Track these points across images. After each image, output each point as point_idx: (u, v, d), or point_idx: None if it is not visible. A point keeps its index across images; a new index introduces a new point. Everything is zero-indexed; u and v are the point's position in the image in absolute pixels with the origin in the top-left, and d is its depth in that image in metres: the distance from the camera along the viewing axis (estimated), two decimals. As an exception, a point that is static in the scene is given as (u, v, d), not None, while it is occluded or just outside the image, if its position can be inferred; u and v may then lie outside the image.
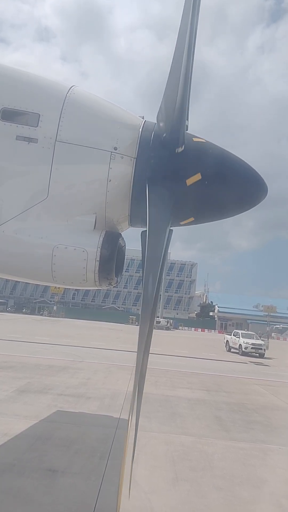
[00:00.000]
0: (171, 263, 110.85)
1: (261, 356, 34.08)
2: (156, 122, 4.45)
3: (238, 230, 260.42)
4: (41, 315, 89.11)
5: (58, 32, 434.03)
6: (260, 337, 41.05)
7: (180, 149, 4.14)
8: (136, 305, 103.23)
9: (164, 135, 4.19)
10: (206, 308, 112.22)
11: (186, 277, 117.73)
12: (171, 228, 4.45)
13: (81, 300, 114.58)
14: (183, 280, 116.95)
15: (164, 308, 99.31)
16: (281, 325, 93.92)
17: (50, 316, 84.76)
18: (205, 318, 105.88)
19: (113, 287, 5.03)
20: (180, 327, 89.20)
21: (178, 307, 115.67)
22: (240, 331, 39.26)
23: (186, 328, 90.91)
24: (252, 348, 34.36)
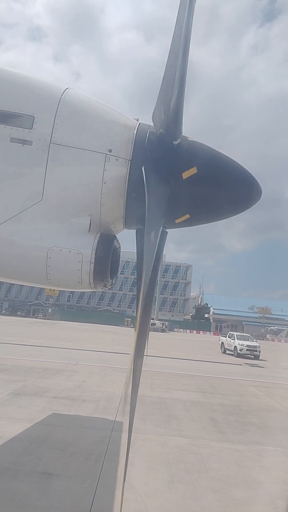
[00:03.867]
0: (166, 265, 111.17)
1: (256, 357, 34.17)
2: (149, 124, 4.47)
3: (230, 232, 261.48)
4: (36, 317, 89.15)
5: (49, 31, 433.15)
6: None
7: (176, 142, 4.15)
8: (131, 307, 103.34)
9: (160, 130, 4.20)
10: (201, 310, 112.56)
11: (181, 279, 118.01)
12: (166, 230, 4.47)
13: (76, 303, 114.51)
14: (178, 282, 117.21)
15: (159, 310, 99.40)
16: (276, 327, 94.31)
17: (45, 319, 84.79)
18: (200, 320, 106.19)
19: (108, 289, 5.03)
20: (175, 329, 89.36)
21: (173, 309, 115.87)
22: (235, 333, 39.33)
23: (182, 330, 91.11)
24: (247, 350, 34.44)
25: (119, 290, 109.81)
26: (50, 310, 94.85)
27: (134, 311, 4.39)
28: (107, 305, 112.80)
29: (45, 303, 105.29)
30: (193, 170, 4.31)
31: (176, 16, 4.08)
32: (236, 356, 34.31)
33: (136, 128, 4.51)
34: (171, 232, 4.63)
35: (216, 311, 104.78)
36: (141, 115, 4.81)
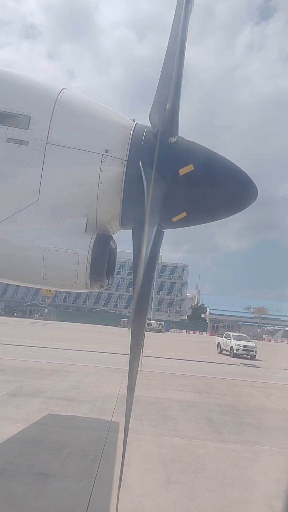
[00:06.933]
0: (162, 266, 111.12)
1: (253, 358, 34.27)
2: (146, 124, 4.48)
3: (226, 232, 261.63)
4: (32, 318, 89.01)
5: (44, 29, 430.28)
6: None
7: (173, 139, 4.16)
8: (127, 308, 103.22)
9: (157, 131, 4.21)
10: (198, 310, 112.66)
11: (178, 279, 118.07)
12: (163, 230, 4.47)
13: (73, 303, 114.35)
14: (175, 282, 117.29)
15: (155, 311, 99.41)
16: (272, 327, 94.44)
17: (41, 319, 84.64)
18: (196, 320, 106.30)
19: (105, 289, 5.03)
20: (171, 330, 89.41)
21: (169, 309, 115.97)
22: (231, 333, 39.43)
23: (178, 330, 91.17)
24: (243, 350, 34.54)
25: (115, 290, 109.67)
26: (46, 310, 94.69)
27: (130, 312, 4.40)
28: (103, 306, 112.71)
29: (42, 304, 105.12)
30: (190, 171, 4.32)
31: (173, 16, 4.09)
32: (233, 356, 34.37)
33: (133, 128, 4.51)
34: (166, 232, 4.63)
35: (212, 311, 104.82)
36: (134, 114, 4.82)
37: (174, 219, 4.66)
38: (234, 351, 34.72)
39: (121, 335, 41.15)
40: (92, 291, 4.79)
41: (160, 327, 76.58)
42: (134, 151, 4.35)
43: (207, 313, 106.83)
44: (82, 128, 4.52)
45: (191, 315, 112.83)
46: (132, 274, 4.21)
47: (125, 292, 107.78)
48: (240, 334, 41.56)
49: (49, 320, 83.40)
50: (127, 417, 3.88)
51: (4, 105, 4.39)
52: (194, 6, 4.26)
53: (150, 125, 4.42)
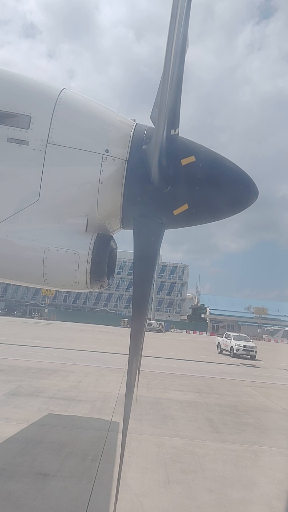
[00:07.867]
0: (162, 266, 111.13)
1: (253, 358, 34.28)
2: (146, 125, 4.48)
3: (225, 232, 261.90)
4: (32, 317, 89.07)
5: (43, 28, 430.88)
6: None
7: (174, 140, 4.15)
8: (127, 308, 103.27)
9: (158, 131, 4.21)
10: (198, 310, 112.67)
11: (178, 279, 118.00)
12: (163, 229, 4.48)
13: (73, 303, 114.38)
14: (175, 283, 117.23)
15: (155, 311, 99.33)
16: (272, 327, 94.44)
17: (41, 319, 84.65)
18: (196, 320, 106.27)
19: (105, 289, 5.03)
20: (171, 330, 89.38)
21: (169, 309, 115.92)
22: (231, 333, 39.41)
23: (178, 330, 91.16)
24: (243, 350, 34.56)
25: (115, 290, 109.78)
26: (46, 310, 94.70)
27: (130, 312, 4.43)
28: (103, 306, 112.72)
29: (42, 303, 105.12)
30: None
31: (170, 15, 4.07)
32: (233, 357, 34.39)
33: (133, 128, 4.51)
34: (166, 232, 4.64)
35: (212, 312, 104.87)
36: (133, 114, 4.83)
37: (174, 220, 4.67)
38: (234, 351, 34.73)
39: (121, 335, 41.21)
40: (92, 291, 4.80)
41: (160, 327, 76.58)
42: (134, 151, 4.35)
43: (207, 313, 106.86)
44: (82, 128, 4.52)
45: (191, 315, 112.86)
46: (132, 274, 4.21)
47: (125, 292, 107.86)
48: (240, 334, 41.57)
49: (49, 320, 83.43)
50: (125, 418, 3.88)
51: (4, 105, 4.39)
52: (193, 5, 4.25)
53: (150, 125, 4.42)
